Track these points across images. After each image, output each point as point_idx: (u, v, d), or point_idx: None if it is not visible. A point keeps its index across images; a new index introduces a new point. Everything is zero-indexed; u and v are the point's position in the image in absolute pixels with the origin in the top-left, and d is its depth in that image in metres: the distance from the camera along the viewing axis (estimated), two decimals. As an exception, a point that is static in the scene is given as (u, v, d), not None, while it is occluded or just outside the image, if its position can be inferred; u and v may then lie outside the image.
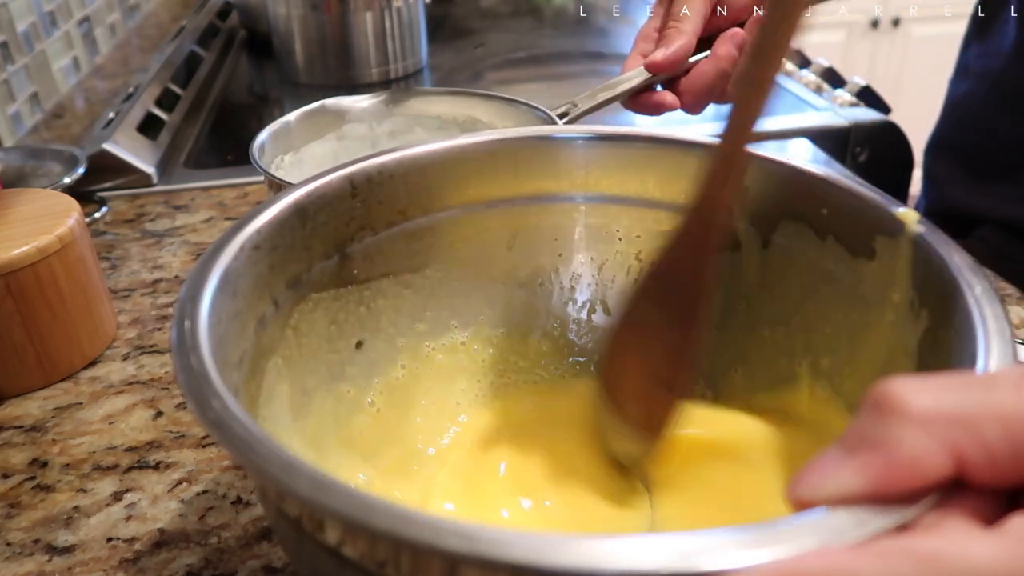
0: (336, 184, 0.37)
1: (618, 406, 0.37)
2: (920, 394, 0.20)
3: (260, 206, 0.34)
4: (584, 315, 0.44)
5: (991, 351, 0.26)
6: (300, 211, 0.35)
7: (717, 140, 0.33)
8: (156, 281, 0.61)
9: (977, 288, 0.28)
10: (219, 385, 0.25)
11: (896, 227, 0.33)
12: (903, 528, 0.19)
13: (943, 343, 0.29)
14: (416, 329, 0.41)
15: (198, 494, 0.42)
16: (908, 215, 0.33)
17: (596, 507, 0.37)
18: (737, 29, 0.58)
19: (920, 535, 0.19)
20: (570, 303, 0.44)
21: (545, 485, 0.38)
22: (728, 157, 0.32)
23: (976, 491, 0.20)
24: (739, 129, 0.32)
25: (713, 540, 0.19)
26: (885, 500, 0.20)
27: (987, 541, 0.18)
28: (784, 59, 0.31)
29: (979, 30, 0.77)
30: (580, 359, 0.44)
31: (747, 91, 0.31)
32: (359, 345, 0.39)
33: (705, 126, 0.86)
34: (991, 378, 0.21)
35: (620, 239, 0.43)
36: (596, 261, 0.43)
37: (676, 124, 0.87)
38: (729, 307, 0.40)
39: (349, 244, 0.38)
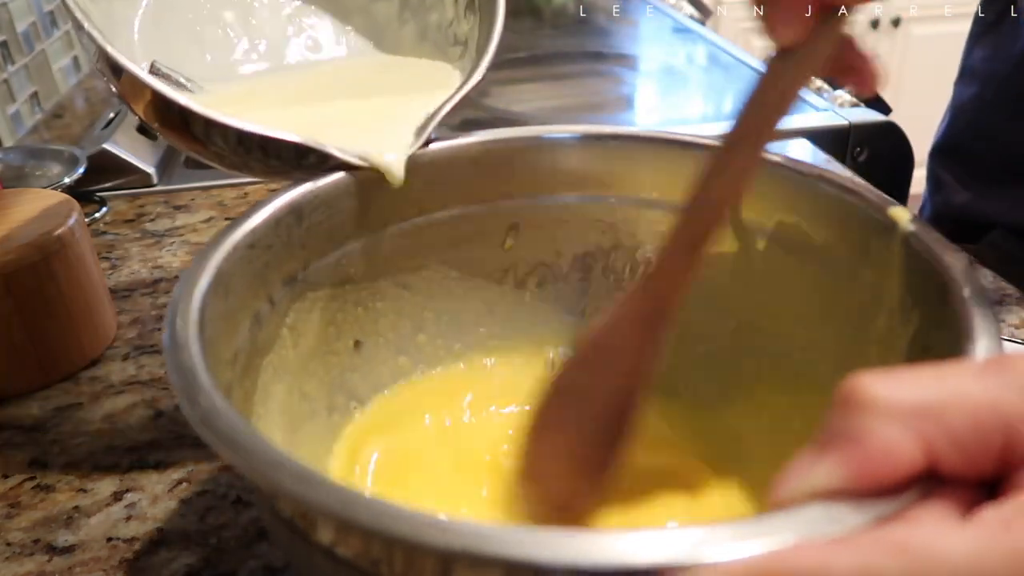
0: (332, 184, 0.37)
1: (536, 490, 0.35)
2: (886, 386, 0.20)
3: (255, 205, 0.34)
4: (581, 315, 0.44)
5: (981, 351, 0.26)
6: (296, 210, 0.35)
7: (687, 207, 0.31)
8: (156, 281, 0.61)
9: (968, 288, 0.28)
10: (207, 382, 0.25)
11: (888, 226, 0.33)
12: (882, 523, 0.20)
13: (934, 343, 0.29)
14: (414, 331, 0.41)
15: (198, 494, 0.42)
16: (900, 214, 0.33)
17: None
18: None
19: (894, 527, 0.19)
20: (565, 303, 0.44)
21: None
22: (702, 226, 0.31)
23: (954, 485, 0.20)
24: (718, 198, 0.31)
25: (705, 535, 0.19)
26: (862, 493, 0.20)
27: (959, 531, 0.18)
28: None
29: (983, 32, 0.76)
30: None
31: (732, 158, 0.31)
32: (357, 345, 0.39)
33: (701, 126, 0.86)
34: (955, 368, 0.21)
35: (615, 239, 0.43)
36: (591, 261, 0.43)
37: (672, 124, 0.87)
38: (720, 314, 0.40)
39: (345, 243, 0.38)
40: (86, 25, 0.37)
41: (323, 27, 0.48)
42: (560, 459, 0.34)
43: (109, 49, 0.37)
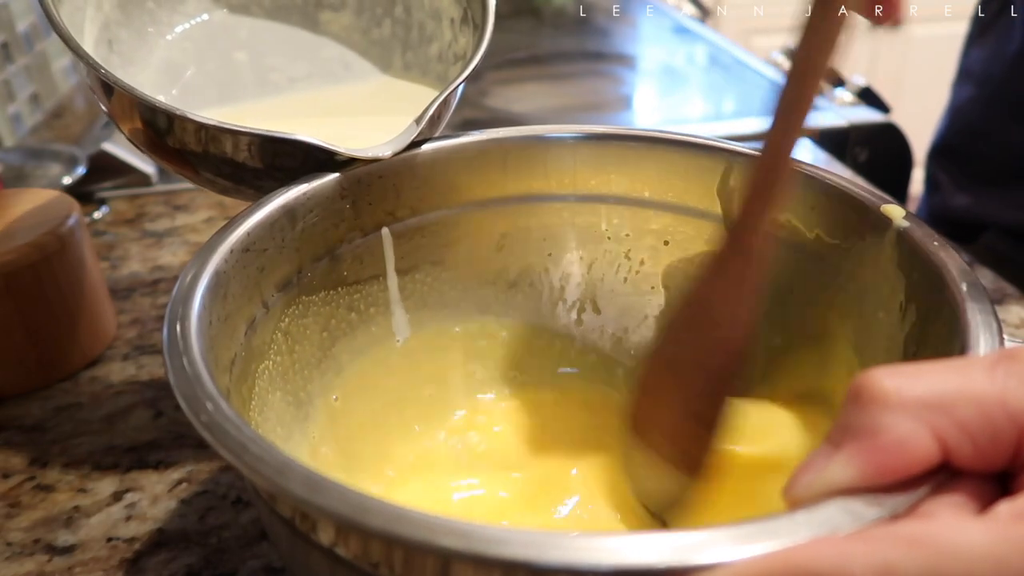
0: (326, 185, 0.37)
1: (651, 445, 0.36)
2: (897, 380, 0.20)
3: (250, 208, 0.34)
4: (574, 315, 0.44)
5: (979, 346, 0.26)
6: (289, 212, 0.35)
7: (756, 156, 0.32)
8: (156, 281, 0.61)
9: (964, 283, 0.28)
10: (211, 388, 0.25)
11: (882, 223, 0.33)
12: (897, 518, 0.20)
13: (931, 339, 0.29)
14: (407, 335, 0.42)
15: (198, 494, 0.42)
16: (894, 211, 0.33)
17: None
18: None
19: (909, 521, 0.19)
20: (560, 303, 0.44)
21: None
22: (770, 175, 0.31)
23: (969, 479, 0.20)
24: (780, 145, 0.31)
25: (706, 536, 0.19)
26: (878, 488, 0.20)
27: (974, 525, 0.18)
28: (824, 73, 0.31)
29: (980, 33, 0.76)
30: (571, 359, 0.44)
31: (788, 105, 0.31)
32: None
33: (701, 126, 0.86)
34: (965, 362, 0.21)
35: (609, 238, 0.43)
36: (585, 260, 0.43)
37: (672, 124, 0.87)
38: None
39: (339, 246, 0.38)
40: (84, 55, 0.36)
41: (329, 72, 0.48)
42: (672, 414, 0.34)
43: (104, 71, 0.36)
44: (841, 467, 0.20)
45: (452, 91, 0.40)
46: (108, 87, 0.37)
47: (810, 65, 0.31)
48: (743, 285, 0.32)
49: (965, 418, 0.20)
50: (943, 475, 0.20)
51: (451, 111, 0.42)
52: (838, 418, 0.21)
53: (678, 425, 0.35)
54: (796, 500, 0.21)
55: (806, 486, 0.21)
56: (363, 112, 0.45)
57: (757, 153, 0.32)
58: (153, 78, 0.44)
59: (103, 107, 0.39)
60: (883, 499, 0.20)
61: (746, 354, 0.33)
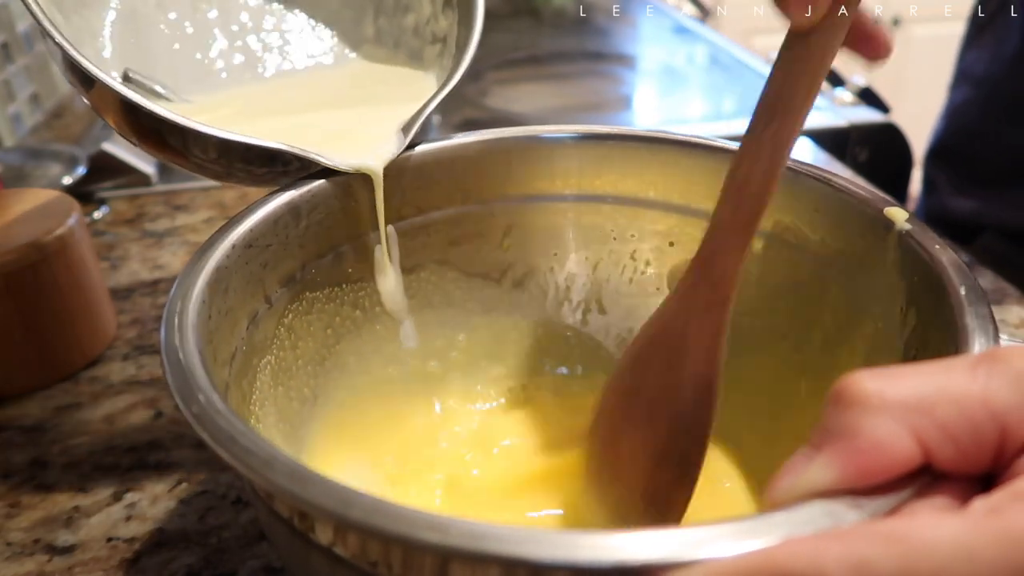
0: (330, 183, 0.37)
1: (613, 487, 0.34)
2: (877, 382, 0.20)
3: (253, 204, 0.35)
4: (579, 315, 0.44)
5: (974, 349, 0.26)
6: (294, 209, 0.35)
7: (739, 180, 0.31)
8: (156, 281, 0.61)
9: (963, 286, 0.28)
10: (203, 380, 0.25)
11: (885, 225, 0.33)
12: (877, 518, 0.20)
13: (931, 341, 0.29)
14: (412, 335, 0.42)
15: (198, 494, 0.42)
16: (896, 213, 0.33)
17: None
18: None
19: (886, 520, 0.19)
20: (565, 303, 0.44)
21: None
22: (757, 199, 0.31)
23: (951, 481, 0.20)
24: (770, 168, 0.30)
25: (705, 533, 0.19)
26: (860, 490, 0.20)
27: (948, 521, 0.18)
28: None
29: (978, 34, 0.76)
30: (576, 359, 0.44)
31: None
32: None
33: (701, 126, 0.86)
34: (948, 363, 0.21)
35: (614, 238, 0.43)
36: (590, 261, 0.43)
37: (672, 124, 0.87)
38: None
39: (343, 243, 0.38)
40: (55, 36, 0.35)
41: (300, 36, 0.47)
42: (641, 457, 0.33)
43: (77, 57, 0.35)
44: (821, 469, 0.20)
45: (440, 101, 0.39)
46: (89, 81, 0.36)
47: (798, 90, 0.30)
48: (714, 317, 0.31)
49: (946, 419, 0.20)
50: (926, 478, 0.20)
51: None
52: (819, 420, 0.21)
53: (649, 473, 0.33)
54: (776, 501, 0.21)
55: (787, 488, 0.21)
56: (347, 104, 0.44)
57: (736, 173, 0.31)
58: (113, 28, 0.42)
59: (84, 99, 0.38)
60: (864, 501, 0.20)
61: (717, 388, 0.32)
